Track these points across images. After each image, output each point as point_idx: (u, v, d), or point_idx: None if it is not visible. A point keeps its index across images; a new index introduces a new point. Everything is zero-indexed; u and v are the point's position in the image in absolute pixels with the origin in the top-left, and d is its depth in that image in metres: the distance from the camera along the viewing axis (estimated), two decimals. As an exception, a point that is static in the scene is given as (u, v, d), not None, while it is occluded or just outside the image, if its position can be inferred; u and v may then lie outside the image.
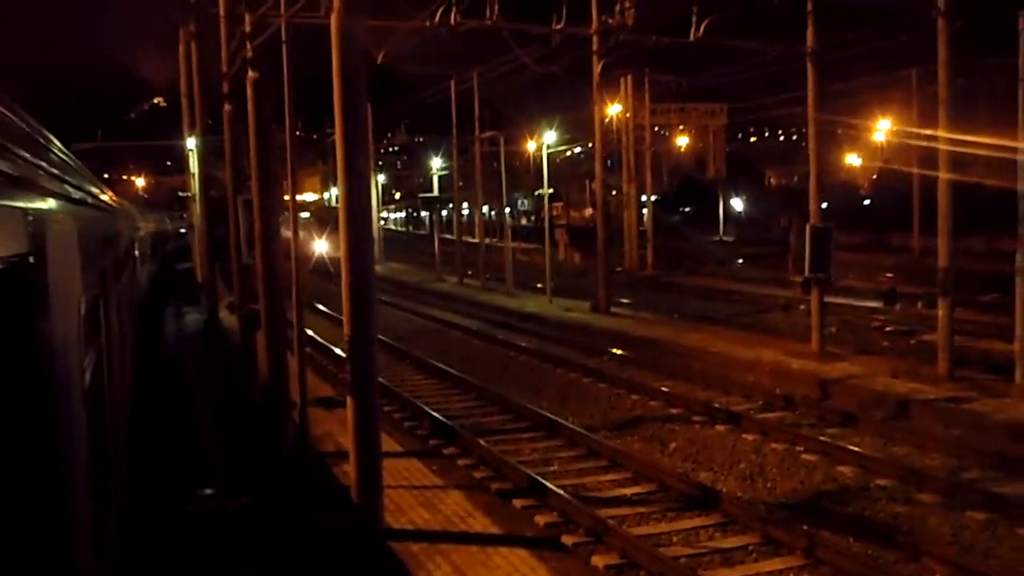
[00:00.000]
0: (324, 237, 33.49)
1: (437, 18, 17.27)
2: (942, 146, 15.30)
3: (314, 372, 15.74)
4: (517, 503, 9.80)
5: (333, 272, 33.33)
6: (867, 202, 66.57)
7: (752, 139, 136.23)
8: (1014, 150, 13.79)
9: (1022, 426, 11.96)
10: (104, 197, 7.54)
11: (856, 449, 11.48)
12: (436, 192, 51.45)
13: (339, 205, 8.37)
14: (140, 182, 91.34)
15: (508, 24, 18.85)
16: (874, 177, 78.27)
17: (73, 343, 2.40)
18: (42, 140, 3.31)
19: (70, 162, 4.60)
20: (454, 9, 17.15)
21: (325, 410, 13.13)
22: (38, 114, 3.38)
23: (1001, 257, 27.18)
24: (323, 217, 37.89)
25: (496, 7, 17.78)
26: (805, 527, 8.68)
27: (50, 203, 2.51)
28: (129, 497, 7.06)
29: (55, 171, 3.18)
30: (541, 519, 9.30)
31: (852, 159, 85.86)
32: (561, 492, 9.80)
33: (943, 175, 15.19)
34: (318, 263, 32.82)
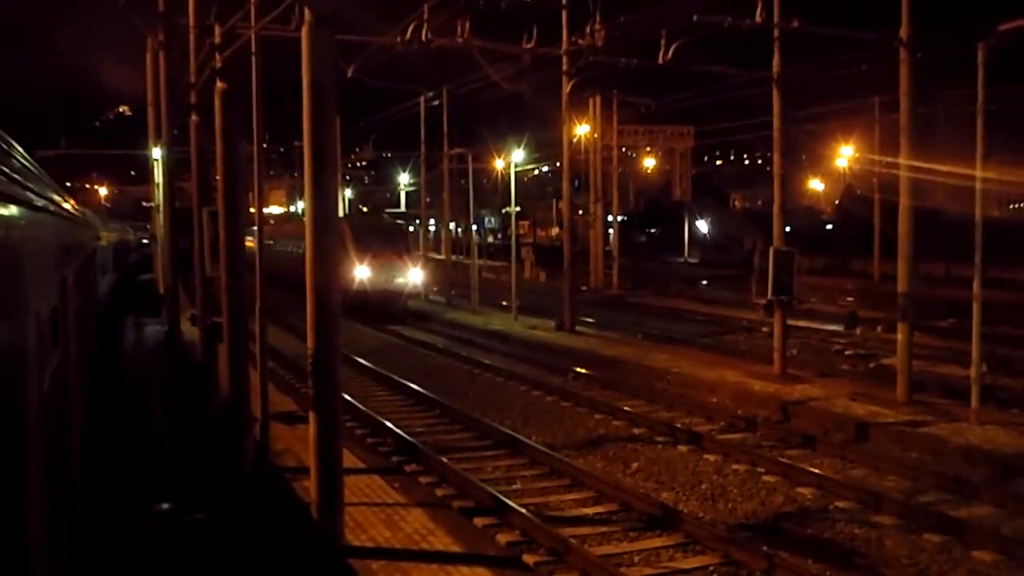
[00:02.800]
0: (367, 261, 29.06)
1: (408, 34, 17.30)
2: (903, 173, 15.59)
3: (276, 386, 15.58)
4: (479, 521, 9.76)
5: (380, 305, 28.76)
6: (829, 227, 67.52)
7: (718, 162, 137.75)
8: (972, 178, 14.07)
9: (978, 450, 12.15)
10: (66, 205, 7.43)
11: (816, 471, 11.58)
12: (403, 208, 51.30)
13: (305, 219, 8.32)
14: (103, 191, 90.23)
15: (479, 42, 18.94)
16: (836, 202, 79.46)
17: (30, 353, 2.35)
18: (3, 145, 3.26)
19: (32, 169, 4.54)
20: (425, 26, 17.20)
21: (286, 425, 13.00)
22: (0, 119, 3.34)
23: (959, 283, 27.72)
24: (361, 230, 31.38)
25: (467, 25, 17.85)
26: (765, 548, 8.72)
27: (10, 210, 2.47)
28: (84, 511, 6.93)
29: (16, 177, 3.14)
30: (503, 538, 9.26)
31: (815, 184, 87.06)
32: (523, 511, 9.77)
33: (903, 201, 15.46)
34: (357, 294, 28.31)
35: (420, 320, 29.01)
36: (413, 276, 30.22)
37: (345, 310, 27.27)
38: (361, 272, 28.87)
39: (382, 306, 28.66)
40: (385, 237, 31.08)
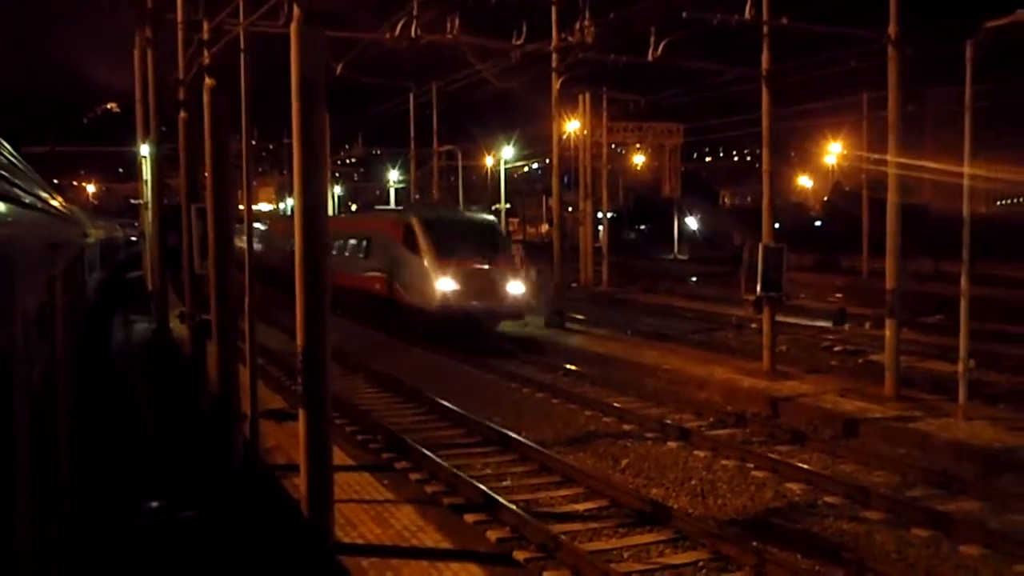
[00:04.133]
0: (452, 270, 21.58)
1: (398, 31, 17.26)
2: (891, 170, 15.65)
3: (266, 384, 15.55)
4: (469, 518, 9.76)
5: (471, 328, 21.69)
6: (818, 223, 67.80)
7: (707, 159, 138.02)
8: (960, 175, 14.14)
9: (965, 445, 12.22)
10: (54, 202, 7.40)
11: (805, 466, 11.63)
12: (393, 205, 51.24)
13: (295, 216, 8.30)
14: (91, 188, 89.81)
15: (468, 39, 18.92)
16: (825, 199, 79.75)
17: (18, 350, 2.35)
18: (-9, 143, 3.25)
19: (19, 165, 4.52)
20: (415, 22, 17.17)
21: (276, 423, 12.98)
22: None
23: (947, 279, 27.88)
24: (440, 227, 23.32)
25: (457, 22, 17.83)
26: (754, 543, 8.76)
27: (-2, 207, 2.46)
28: (72, 509, 6.90)
29: (3, 174, 3.12)
30: (493, 534, 9.27)
31: (804, 181, 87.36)
32: (513, 507, 9.79)
33: (891, 198, 15.53)
34: (440, 315, 21.51)
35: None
36: (514, 288, 22.08)
37: (423, 335, 22.05)
38: (445, 285, 21.34)
39: (472, 329, 21.91)
40: (473, 235, 23.35)
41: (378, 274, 24.95)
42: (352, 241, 28.37)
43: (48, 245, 4.33)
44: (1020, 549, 8.77)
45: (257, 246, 12.34)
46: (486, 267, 22.13)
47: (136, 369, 17.53)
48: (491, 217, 28.19)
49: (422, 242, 22.50)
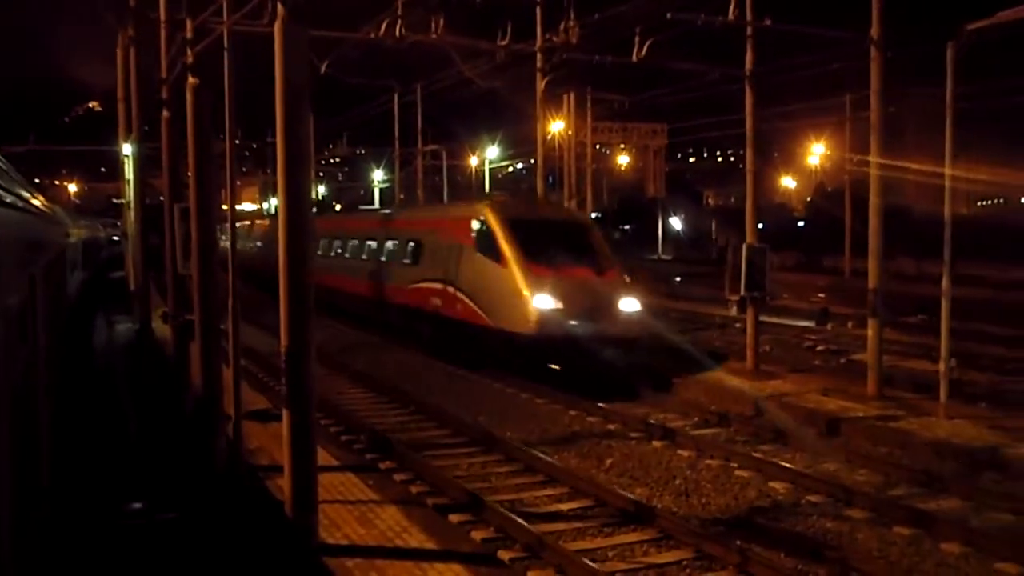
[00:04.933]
0: (548, 282, 16.74)
1: (382, 30, 17.23)
2: (873, 171, 15.75)
3: (250, 385, 15.48)
4: (454, 518, 9.76)
5: (576, 356, 15.97)
6: (801, 224, 68.13)
7: (691, 159, 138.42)
8: (941, 176, 14.24)
9: (946, 444, 12.31)
10: (35, 202, 7.34)
11: (788, 465, 11.69)
12: (377, 205, 51.08)
13: (279, 216, 8.27)
14: (73, 188, 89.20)
15: (453, 39, 18.91)
16: (808, 200, 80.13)
17: (-1, 350, 2.33)
18: (-29, 142, 3.22)
19: (0, 164, 4.48)
20: (399, 22, 17.14)
21: (260, 423, 12.92)
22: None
23: (929, 279, 28.07)
24: (527, 228, 18.27)
25: (441, 21, 17.81)
26: (738, 542, 8.79)
27: (-22, 206, 2.43)
28: (53, 510, 6.85)
29: (-16, 174, 3.10)
30: (478, 534, 9.26)
31: (788, 181, 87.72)
32: (498, 507, 9.79)
33: (874, 199, 15.63)
34: (541, 334, 16.42)
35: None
36: (628, 305, 17.23)
37: (513, 362, 17.31)
38: (543, 302, 16.48)
39: (578, 359, 16.52)
40: (569, 237, 18.58)
41: (434, 285, 20.01)
42: (390, 243, 23.99)
43: (29, 244, 4.30)
44: (1001, 547, 8.84)
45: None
46: (594, 278, 17.46)
47: (119, 370, 17.42)
48: (582, 214, 22.82)
49: (506, 246, 17.46)
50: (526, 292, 16.67)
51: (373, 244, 25.28)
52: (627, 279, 18.57)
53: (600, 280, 17.49)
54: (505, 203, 20.79)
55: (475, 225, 18.71)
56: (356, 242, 27.20)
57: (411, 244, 22.36)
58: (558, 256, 17.41)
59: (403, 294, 22.08)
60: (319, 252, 29.57)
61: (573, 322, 16.39)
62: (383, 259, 24.17)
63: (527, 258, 17.20)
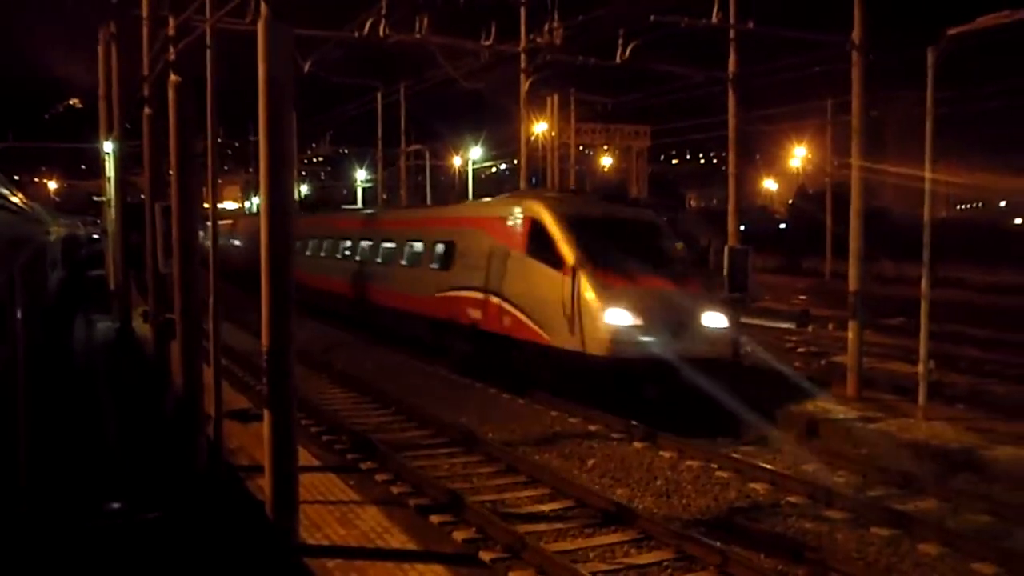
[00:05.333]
0: (618, 293, 14.28)
1: (366, 30, 17.20)
2: (854, 174, 15.87)
3: (231, 384, 15.42)
4: (435, 519, 9.75)
5: (657, 381, 13.80)
6: (783, 226, 68.50)
7: (674, 161, 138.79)
8: (921, 179, 14.36)
9: (925, 446, 12.41)
10: (13, 199, 7.29)
11: (768, 467, 11.75)
12: (360, 204, 50.94)
13: (261, 215, 8.24)
14: (52, 185, 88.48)
15: (437, 39, 18.89)
16: (790, 202, 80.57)
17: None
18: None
19: (-22, 162, 4.45)
20: (384, 21, 17.12)
21: (241, 423, 12.87)
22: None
23: (908, 282, 28.30)
24: (589, 227, 15.73)
25: (425, 21, 17.80)
26: (718, 543, 8.83)
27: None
28: (31, 510, 6.81)
29: (-38, 171, 3.07)
30: (459, 535, 9.26)
31: (769, 184, 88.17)
32: (480, 508, 9.79)
33: (855, 202, 15.75)
34: (615, 355, 13.96)
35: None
36: (714, 320, 14.78)
37: (578, 384, 14.78)
38: (616, 317, 14.02)
39: (660, 382, 14.14)
40: (639, 238, 16.18)
41: (470, 295, 17.56)
42: (410, 246, 21.44)
43: (7, 242, 4.27)
44: (977, 548, 8.92)
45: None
46: (673, 287, 14.91)
47: (98, 369, 17.30)
48: (649, 211, 19.00)
49: (567, 249, 14.93)
50: (596, 305, 14.12)
51: (389, 246, 22.83)
52: (710, 288, 15.91)
53: (680, 290, 14.89)
54: (559, 198, 17.63)
55: (525, 225, 16.04)
56: (367, 244, 24.58)
57: (439, 247, 19.67)
58: (630, 261, 14.95)
59: (428, 304, 19.48)
60: (322, 254, 27.99)
61: (652, 340, 13.96)
62: (403, 263, 21.66)
63: (594, 264, 14.65)
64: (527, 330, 15.65)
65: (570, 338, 14.50)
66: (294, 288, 8.19)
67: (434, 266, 19.65)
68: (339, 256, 26.52)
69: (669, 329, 14.19)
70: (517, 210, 16.61)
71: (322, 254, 28.08)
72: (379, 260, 23.36)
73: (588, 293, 14.33)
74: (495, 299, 16.61)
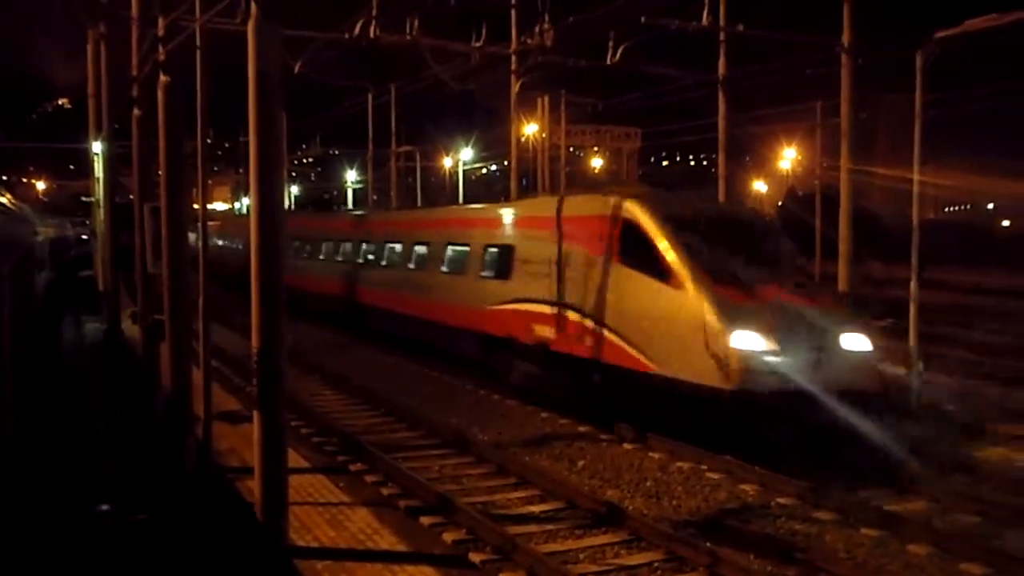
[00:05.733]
0: (754, 313, 11.78)
1: (357, 30, 17.18)
2: (843, 176, 15.94)
3: (221, 386, 15.38)
4: (425, 520, 9.74)
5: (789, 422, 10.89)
6: (773, 228, 68.50)
7: (664, 163, 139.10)
8: (910, 181, 14.44)
9: (915, 446, 12.44)
10: (1, 200, 7.25)
11: (758, 468, 11.75)
12: (351, 205, 50.82)
13: (251, 216, 8.22)
14: (41, 185, 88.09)
15: (428, 40, 18.89)
16: (779, 204, 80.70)
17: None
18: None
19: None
20: (374, 22, 17.10)
21: (230, 425, 12.84)
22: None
23: (897, 283, 28.40)
24: (695, 228, 13.10)
25: (416, 23, 17.80)
26: (708, 544, 8.84)
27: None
28: (19, 513, 6.77)
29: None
30: (449, 536, 9.26)
31: (759, 186, 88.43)
32: (470, 509, 9.79)
33: (844, 204, 15.81)
34: (746, 391, 11.31)
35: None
36: (854, 342, 12.16)
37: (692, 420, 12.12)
38: (744, 341, 11.55)
39: (794, 421, 11.32)
40: (757, 244, 13.57)
41: (537, 308, 15.19)
42: (455, 251, 19.14)
43: (-4, 243, 4.25)
44: (966, 548, 8.96)
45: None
46: (805, 303, 12.23)
47: (87, 370, 17.23)
48: (758, 210, 16.53)
49: (673, 255, 12.40)
50: (719, 326, 11.54)
51: (422, 250, 20.52)
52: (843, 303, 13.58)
53: (813, 305, 12.25)
54: (653, 195, 14.89)
55: (615, 227, 13.41)
56: (393, 248, 22.36)
57: (491, 252, 17.35)
58: (751, 270, 12.50)
59: (479, 317, 17.19)
60: (339, 258, 25.96)
61: (789, 369, 11.38)
62: (443, 270, 19.28)
63: (712, 274, 12.16)
64: (619, 353, 13.07)
65: (682, 366, 11.96)
66: (284, 289, 8.17)
67: (487, 274, 17.27)
68: (361, 261, 24.43)
69: (806, 355, 11.60)
70: (602, 210, 13.87)
71: (339, 258, 26.05)
72: (412, 266, 21.10)
73: (707, 311, 11.69)
74: (573, 315, 14.11)
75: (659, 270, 12.57)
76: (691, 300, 11.97)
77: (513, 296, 16.01)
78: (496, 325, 16.53)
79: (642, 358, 12.69)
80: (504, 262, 16.68)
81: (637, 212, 13.28)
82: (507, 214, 17.60)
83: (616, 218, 13.51)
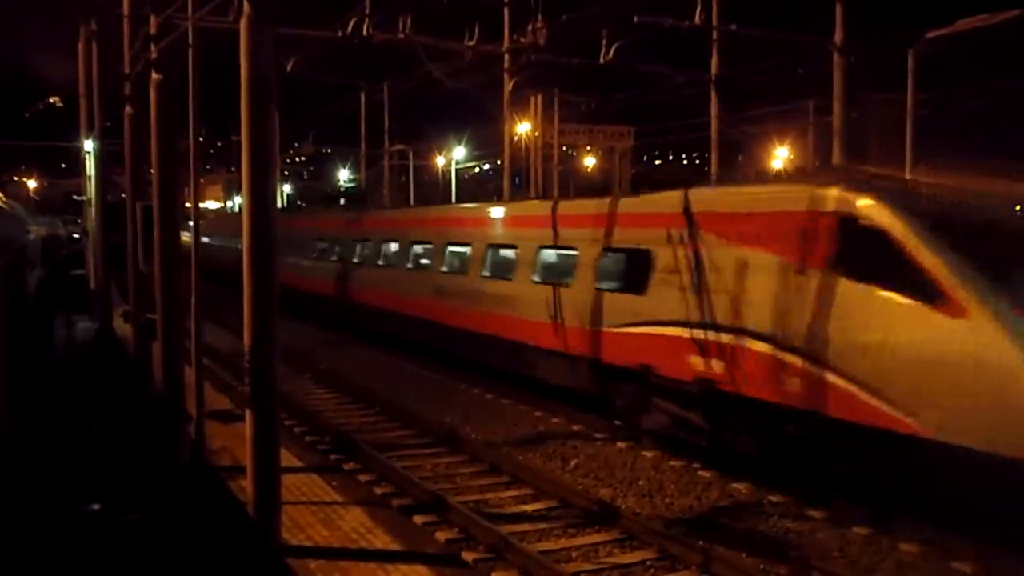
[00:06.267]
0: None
1: (349, 29, 17.14)
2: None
3: (213, 385, 15.34)
4: (418, 519, 9.74)
5: None
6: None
7: (657, 162, 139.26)
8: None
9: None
10: (-8, 198, 7.23)
11: (750, 467, 11.77)
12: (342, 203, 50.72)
13: (243, 214, 8.20)
14: (32, 184, 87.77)
15: (421, 38, 18.86)
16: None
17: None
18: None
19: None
20: (367, 21, 17.07)
21: (222, 424, 12.82)
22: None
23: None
24: (980, 228, 9.31)
25: (409, 21, 17.77)
26: (701, 543, 8.86)
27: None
28: (9, 511, 6.75)
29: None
30: (442, 535, 9.26)
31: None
32: (463, 508, 9.79)
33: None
34: None
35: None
36: None
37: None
38: None
39: None
40: None
41: (699, 335, 11.65)
42: (548, 255, 15.75)
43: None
44: (957, 546, 8.98)
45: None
46: None
47: (78, 369, 17.17)
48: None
49: (945, 271, 9.02)
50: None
51: (508, 254, 16.99)
52: None
53: None
54: (890, 182, 11.61)
55: (838, 227, 10.07)
56: (461, 249, 18.86)
57: (615, 258, 13.92)
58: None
59: (592, 340, 13.88)
60: (380, 262, 22.48)
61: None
62: (533, 279, 15.76)
63: (1007, 296, 8.74)
64: (846, 401, 9.63)
65: (964, 427, 8.52)
66: (278, 286, 8.16)
67: (606, 286, 13.83)
68: (410, 266, 21.01)
69: None
70: (812, 204, 10.40)
71: (380, 262, 22.55)
72: (487, 273, 17.52)
73: (1009, 348, 8.30)
74: (760, 345, 10.68)
75: (921, 289, 9.04)
76: (981, 332, 8.48)
77: (651, 315, 12.55)
78: (620, 351, 13.15)
79: (889, 410, 9.14)
80: (635, 271, 13.10)
81: (876, 208, 9.73)
82: (639, 210, 13.78)
83: (841, 215, 10.00)
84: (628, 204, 14.28)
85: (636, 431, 13.12)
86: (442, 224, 20.72)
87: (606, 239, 14.11)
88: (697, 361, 11.65)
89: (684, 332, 11.90)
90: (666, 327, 12.25)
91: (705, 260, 11.76)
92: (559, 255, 15.49)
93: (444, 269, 19.45)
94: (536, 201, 21.76)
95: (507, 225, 18.00)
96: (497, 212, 19.10)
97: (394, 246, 21.99)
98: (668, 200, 12.90)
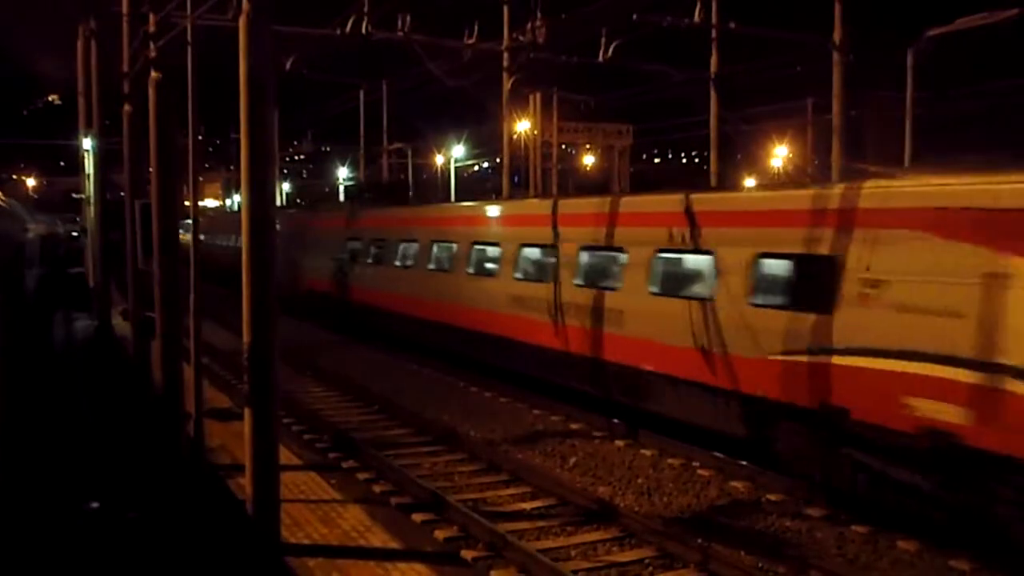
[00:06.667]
0: None
1: (348, 27, 17.15)
2: (835, 174, 15.97)
3: (212, 383, 15.33)
4: (417, 517, 9.74)
5: None
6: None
7: (656, 160, 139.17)
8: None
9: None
10: (-9, 196, 7.22)
11: (749, 464, 11.78)
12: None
13: (242, 213, 8.20)
14: (31, 182, 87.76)
15: (419, 37, 18.87)
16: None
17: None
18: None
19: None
20: (366, 19, 17.08)
21: (221, 422, 12.80)
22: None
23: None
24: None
25: (408, 19, 17.77)
26: (699, 541, 8.87)
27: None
28: (6, 510, 6.75)
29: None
30: (441, 533, 9.26)
31: (750, 183, 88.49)
32: (461, 506, 9.79)
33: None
34: None
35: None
36: None
37: None
38: None
39: None
40: None
41: (917, 367, 8.76)
42: (676, 261, 12.89)
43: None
44: (954, 544, 8.99)
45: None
46: None
47: (77, 367, 17.16)
48: None
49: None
50: None
51: (621, 257, 13.66)
52: None
53: None
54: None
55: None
56: (536, 254, 16.04)
57: (776, 265, 11.09)
58: None
59: (743, 369, 11.14)
60: (431, 265, 19.30)
61: None
62: (651, 291, 12.77)
63: None
64: None
65: None
66: (276, 285, 8.15)
67: (762, 302, 10.99)
68: (471, 271, 17.84)
69: None
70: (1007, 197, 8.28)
71: (431, 265, 19.38)
72: (579, 282, 14.39)
73: None
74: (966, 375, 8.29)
75: None
76: None
77: (839, 342, 9.67)
78: (790, 387, 10.36)
79: None
80: (811, 284, 10.17)
81: None
82: (813, 205, 10.43)
83: None
84: (792, 196, 11.17)
85: (812, 485, 10.38)
86: (517, 223, 17.06)
87: (759, 241, 11.07)
88: (927, 407, 8.69)
89: (897, 366, 8.93)
90: (865, 358, 9.35)
91: (932, 270, 8.70)
92: (682, 261, 12.72)
93: (516, 275, 16.21)
94: (652, 196, 15.57)
95: (627, 222, 13.72)
96: (590, 207, 14.82)
97: (452, 250, 18.14)
98: (854, 192, 9.91)
